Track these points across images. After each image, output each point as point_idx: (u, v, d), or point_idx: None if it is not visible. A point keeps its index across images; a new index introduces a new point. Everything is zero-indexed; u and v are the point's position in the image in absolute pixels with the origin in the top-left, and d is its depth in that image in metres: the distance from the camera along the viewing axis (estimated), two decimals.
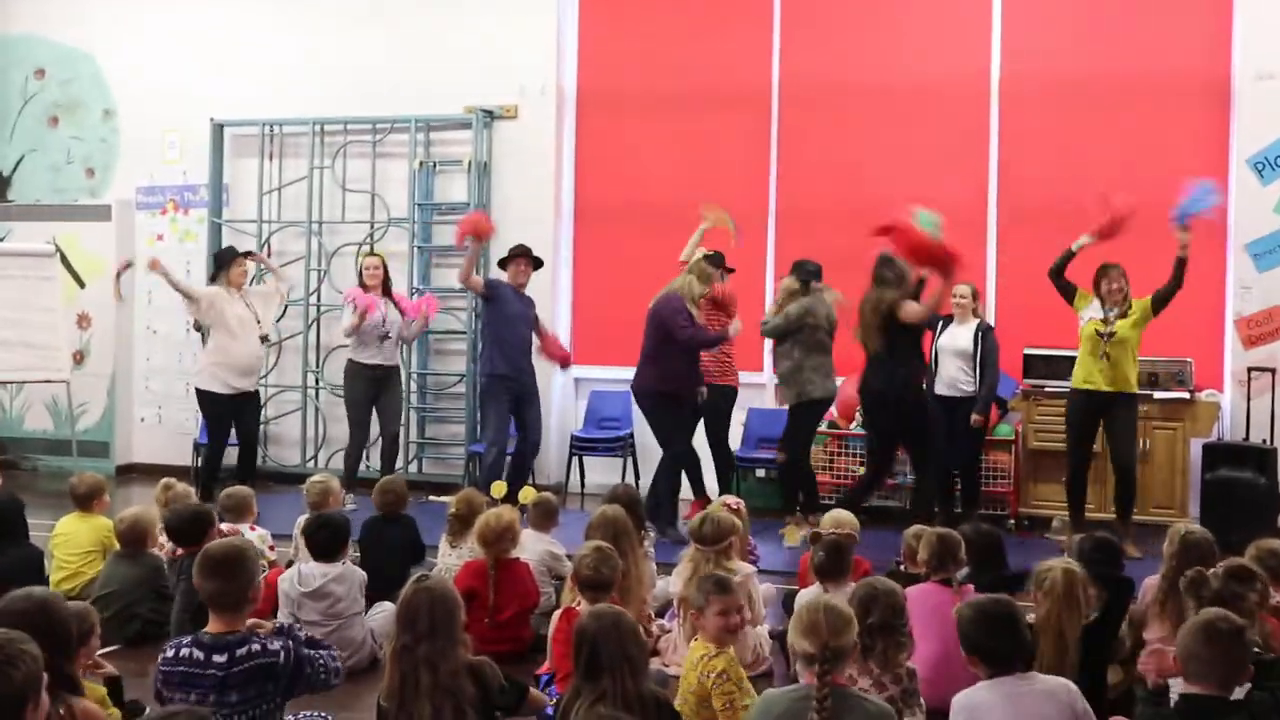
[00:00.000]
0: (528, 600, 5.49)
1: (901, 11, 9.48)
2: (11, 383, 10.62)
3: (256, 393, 9.07)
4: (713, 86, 9.72)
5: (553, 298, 9.73)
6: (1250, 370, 8.44)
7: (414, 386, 10.14)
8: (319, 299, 10.40)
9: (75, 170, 11.24)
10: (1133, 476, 7.61)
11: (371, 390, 9.02)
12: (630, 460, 9.55)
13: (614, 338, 9.39)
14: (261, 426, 9.68)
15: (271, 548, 6.15)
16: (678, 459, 7.92)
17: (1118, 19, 8.99)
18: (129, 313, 10.96)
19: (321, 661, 3.75)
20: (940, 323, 8.12)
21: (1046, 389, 8.36)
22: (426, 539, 6.33)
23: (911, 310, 7.30)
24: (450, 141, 10.21)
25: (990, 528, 5.45)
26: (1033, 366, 8.53)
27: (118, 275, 10.68)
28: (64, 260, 10.45)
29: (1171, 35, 8.88)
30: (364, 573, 5.37)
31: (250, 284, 9.21)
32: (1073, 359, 7.74)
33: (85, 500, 6.26)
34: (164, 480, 6.61)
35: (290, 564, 5.63)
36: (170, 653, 3.59)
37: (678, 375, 7.83)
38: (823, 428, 8.49)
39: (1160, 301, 7.45)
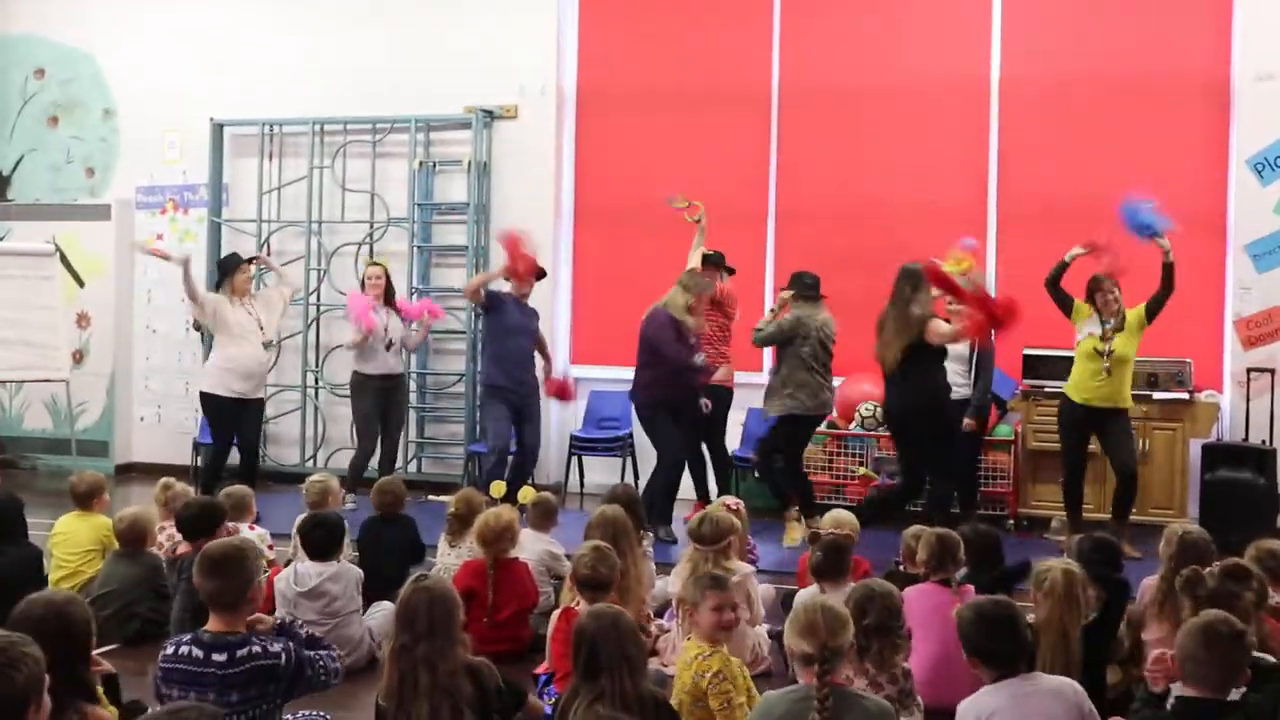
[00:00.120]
0: (527, 600, 5.49)
1: (901, 12, 9.46)
2: (11, 382, 10.62)
3: (261, 400, 8.87)
4: (712, 86, 9.72)
5: (553, 298, 9.73)
6: (1249, 371, 8.44)
7: (414, 386, 10.14)
8: (319, 299, 10.39)
9: (75, 170, 11.24)
10: (1135, 481, 7.60)
11: (380, 401, 8.98)
12: (630, 460, 9.54)
13: (614, 338, 9.37)
14: (261, 427, 9.65)
15: (270, 547, 6.15)
16: (676, 468, 7.86)
17: (1118, 19, 8.98)
18: (128, 312, 10.97)
19: (322, 662, 3.76)
20: None
21: (1046, 389, 8.34)
22: (425, 538, 6.34)
23: (940, 331, 7.10)
24: (450, 141, 10.21)
25: (989, 528, 5.45)
26: (1032, 367, 8.52)
27: (149, 250, 9.61)
28: (64, 260, 10.46)
29: (1171, 36, 8.88)
30: (360, 571, 5.38)
31: (254, 288, 9.16)
32: (1072, 359, 7.73)
33: (85, 499, 6.25)
34: (163, 480, 6.62)
35: (289, 563, 5.64)
36: (170, 650, 3.60)
37: (671, 385, 7.73)
38: (822, 428, 8.47)
39: (1154, 309, 7.46)
